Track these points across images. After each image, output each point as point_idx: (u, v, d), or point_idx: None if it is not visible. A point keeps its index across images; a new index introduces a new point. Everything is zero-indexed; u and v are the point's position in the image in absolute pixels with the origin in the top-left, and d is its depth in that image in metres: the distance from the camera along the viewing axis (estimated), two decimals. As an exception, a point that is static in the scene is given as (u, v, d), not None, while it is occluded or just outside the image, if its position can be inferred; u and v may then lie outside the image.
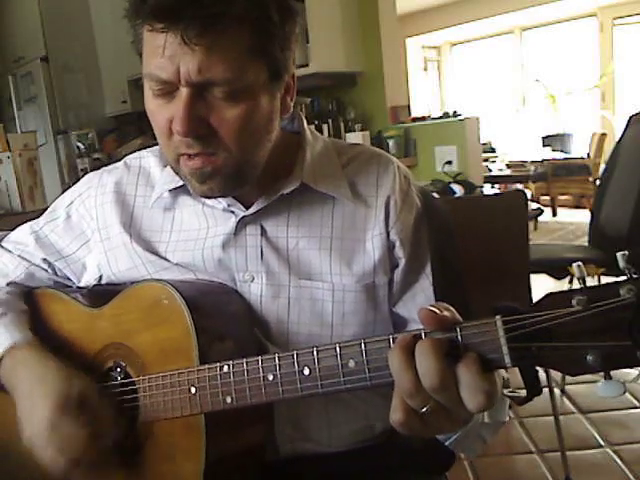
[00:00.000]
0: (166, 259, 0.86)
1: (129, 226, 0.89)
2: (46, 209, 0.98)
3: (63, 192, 0.98)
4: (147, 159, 0.94)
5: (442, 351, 0.56)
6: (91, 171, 0.99)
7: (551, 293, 0.55)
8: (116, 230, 0.89)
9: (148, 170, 0.93)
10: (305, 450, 0.84)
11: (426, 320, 0.58)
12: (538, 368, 0.57)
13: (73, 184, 0.99)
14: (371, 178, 0.87)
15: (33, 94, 4.56)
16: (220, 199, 0.83)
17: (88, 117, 4.54)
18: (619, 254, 0.53)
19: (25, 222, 0.98)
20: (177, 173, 0.80)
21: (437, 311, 0.58)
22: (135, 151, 0.97)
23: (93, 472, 0.75)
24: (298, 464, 0.83)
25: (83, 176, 0.99)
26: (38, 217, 0.98)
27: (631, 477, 1.95)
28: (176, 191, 0.87)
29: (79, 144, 4.17)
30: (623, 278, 0.52)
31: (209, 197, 0.81)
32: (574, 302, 0.53)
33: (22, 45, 4.63)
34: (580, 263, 0.55)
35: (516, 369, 0.57)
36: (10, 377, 0.81)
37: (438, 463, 0.87)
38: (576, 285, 0.55)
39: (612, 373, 0.53)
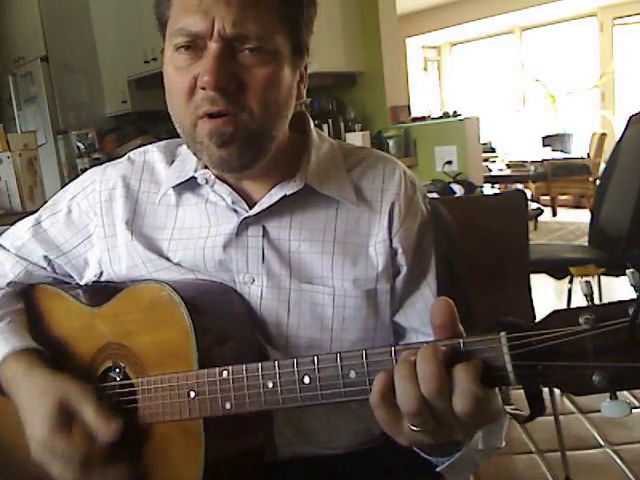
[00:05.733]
0: (167, 258, 0.85)
1: (132, 222, 0.88)
2: (46, 209, 0.96)
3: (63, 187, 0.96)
4: (152, 154, 0.93)
5: (443, 357, 0.55)
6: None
7: (558, 310, 0.54)
8: (120, 227, 0.88)
9: (152, 165, 0.91)
10: (304, 453, 0.83)
11: (441, 309, 0.58)
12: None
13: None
14: (377, 182, 0.86)
15: (33, 94, 4.56)
16: (225, 195, 0.83)
17: (88, 117, 4.54)
18: (628, 271, 0.51)
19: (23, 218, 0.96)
20: (192, 145, 0.79)
21: (455, 310, 0.58)
22: (139, 146, 0.96)
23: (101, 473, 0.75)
24: (297, 466, 0.83)
25: (83, 174, 0.97)
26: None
27: (631, 477, 1.95)
28: (180, 188, 0.87)
29: (79, 144, 4.18)
30: (633, 296, 0.50)
31: (225, 166, 0.79)
32: (581, 321, 0.51)
33: (22, 45, 4.63)
34: (588, 279, 0.54)
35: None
36: (10, 386, 0.81)
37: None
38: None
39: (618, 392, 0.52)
